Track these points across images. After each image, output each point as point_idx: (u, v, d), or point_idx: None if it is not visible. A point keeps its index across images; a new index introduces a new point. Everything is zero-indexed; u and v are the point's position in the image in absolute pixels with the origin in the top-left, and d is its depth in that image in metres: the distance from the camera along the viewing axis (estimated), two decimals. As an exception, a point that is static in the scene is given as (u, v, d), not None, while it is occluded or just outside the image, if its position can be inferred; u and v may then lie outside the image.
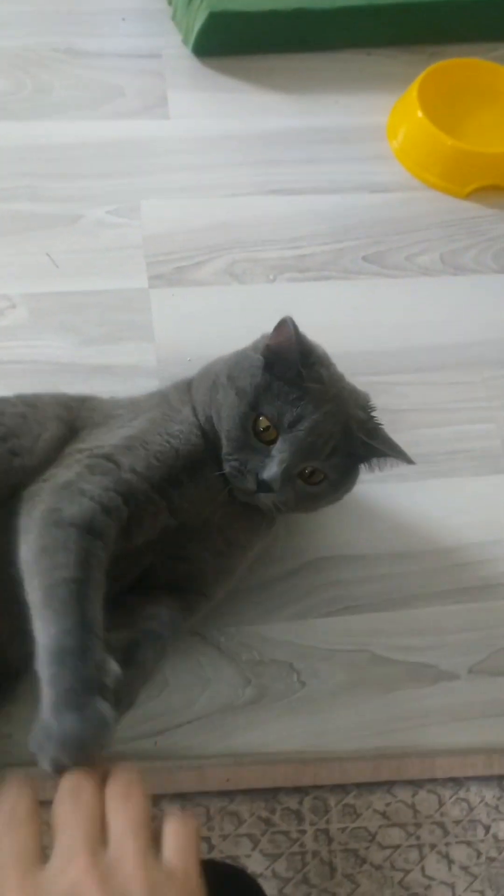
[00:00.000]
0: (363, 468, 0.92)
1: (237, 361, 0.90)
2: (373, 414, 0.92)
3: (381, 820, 0.92)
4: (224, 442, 0.86)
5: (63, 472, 0.80)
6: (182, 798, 0.90)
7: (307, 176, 1.37)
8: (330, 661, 0.99)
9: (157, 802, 0.89)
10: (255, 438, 0.85)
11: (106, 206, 1.29)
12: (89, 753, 0.63)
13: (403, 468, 1.06)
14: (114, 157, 1.34)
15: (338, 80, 1.47)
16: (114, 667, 0.69)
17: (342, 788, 0.92)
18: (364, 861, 0.90)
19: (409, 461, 0.90)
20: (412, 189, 1.38)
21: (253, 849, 0.89)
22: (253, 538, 0.93)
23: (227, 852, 0.87)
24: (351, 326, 1.23)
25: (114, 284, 1.22)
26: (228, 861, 0.86)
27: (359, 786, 0.93)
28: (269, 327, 1.21)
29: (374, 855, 0.90)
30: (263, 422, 0.85)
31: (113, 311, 1.20)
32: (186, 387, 0.95)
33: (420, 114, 1.36)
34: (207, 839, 0.88)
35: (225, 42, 1.44)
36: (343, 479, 0.89)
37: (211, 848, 0.88)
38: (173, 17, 1.47)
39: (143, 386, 1.13)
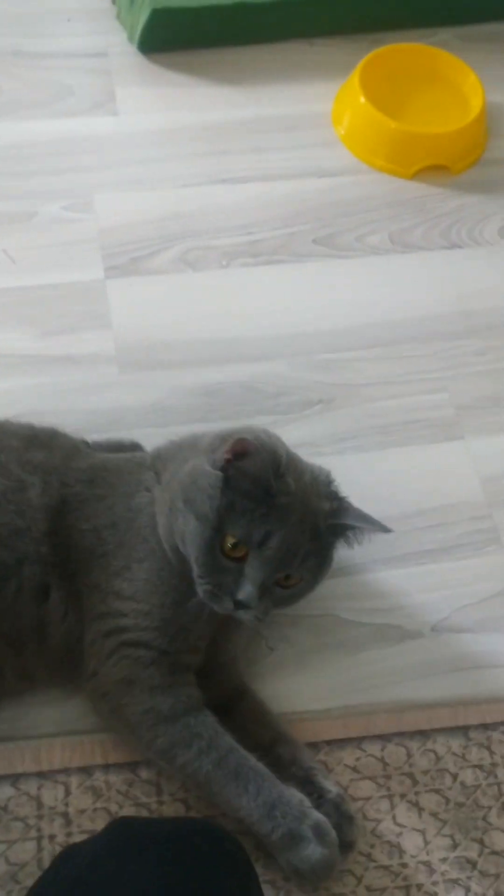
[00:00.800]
0: (343, 544, 0.91)
1: (193, 480, 0.85)
2: (336, 490, 0.91)
3: (352, 774, 0.95)
4: (193, 567, 0.85)
5: (112, 667, 0.88)
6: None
7: (256, 164, 1.40)
8: (297, 626, 1.02)
9: (135, 768, 0.92)
10: (224, 558, 0.83)
11: (60, 201, 1.32)
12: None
13: (363, 439, 1.10)
14: (66, 155, 1.37)
15: (282, 70, 1.51)
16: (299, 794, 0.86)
17: (313, 746, 0.95)
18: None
19: (385, 530, 0.90)
20: (359, 172, 1.42)
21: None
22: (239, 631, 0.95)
23: (204, 812, 0.90)
24: (305, 307, 1.26)
25: (71, 277, 1.25)
26: (209, 818, 0.88)
27: (329, 743, 0.96)
28: (223, 312, 1.25)
29: (348, 808, 0.93)
30: (231, 540, 0.83)
31: (71, 302, 1.23)
32: (152, 509, 0.91)
33: (363, 99, 1.40)
34: (185, 800, 0.91)
35: (169, 38, 1.47)
36: (318, 573, 0.90)
37: (188, 808, 0.91)
38: (118, 16, 1.50)
39: (103, 373, 1.16)
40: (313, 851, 0.83)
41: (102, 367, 1.17)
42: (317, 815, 0.84)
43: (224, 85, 1.48)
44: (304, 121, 1.46)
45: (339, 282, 1.30)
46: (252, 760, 0.86)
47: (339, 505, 0.89)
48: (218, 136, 1.43)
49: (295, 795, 0.85)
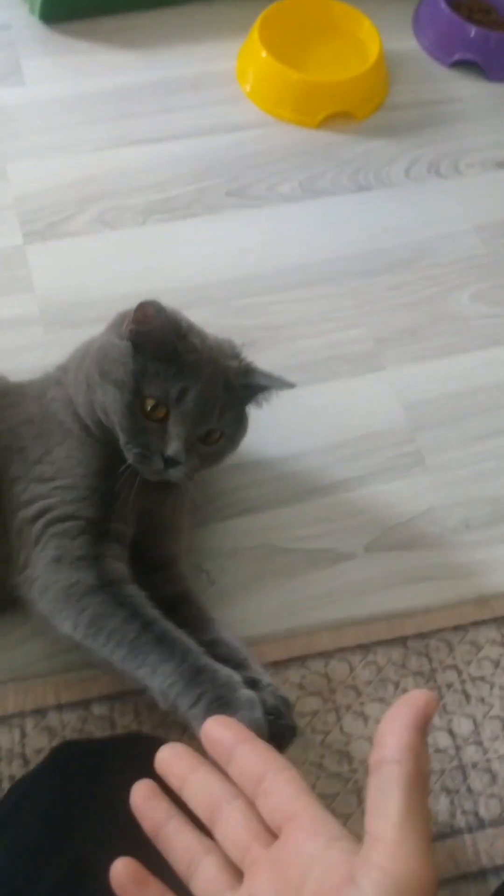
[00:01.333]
0: (252, 408, 0.96)
1: (104, 354, 0.90)
2: (241, 356, 0.96)
3: (298, 691, 0.99)
4: (119, 434, 0.88)
5: (40, 551, 0.88)
6: (109, 699, 0.96)
7: (164, 125, 1.42)
8: (235, 558, 1.06)
9: (88, 706, 0.95)
10: (147, 420, 0.87)
11: (-28, 173, 1.33)
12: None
13: (287, 377, 1.13)
14: (-26, 127, 1.38)
15: (184, 32, 1.53)
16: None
17: (259, 669, 0.99)
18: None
19: (289, 385, 0.94)
20: (266, 125, 1.45)
21: (182, 734, 0.95)
22: (179, 491, 0.96)
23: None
24: (221, 256, 1.29)
25: (-11, 245, 1.27)
26: (150, 733, 0.92)
27: (275, 664, 0.99)
28: (143, 267, 1.28)
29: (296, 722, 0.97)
30: (150, 402, 0.87)
31: (-9, 269, 1.24)
32: (66, 394, 0.95)
33: (264, 53, 1.43)
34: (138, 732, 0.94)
35: (70, 6, 1.49)
36: (237, 429, 0.94)
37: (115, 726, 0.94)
38: (16, -12, 1.51)
39: (28, 334, 1.18)
40: (243, 717, 0.77)
41: (27, 329, 1.19)
42: (247, 690, 0.81)
43: (128, 50, 1.50)
44: (209, 80, 1.49)
45: (253, 230, 1.33)
46: (180, 632, 0.85)
47: (246, 365, 0.94)
48: (125, 99, 1.44)
49: (224, 668, 0.83)
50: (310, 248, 1.32)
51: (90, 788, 0.71)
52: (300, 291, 1.27)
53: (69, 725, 0.94)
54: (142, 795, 0.48)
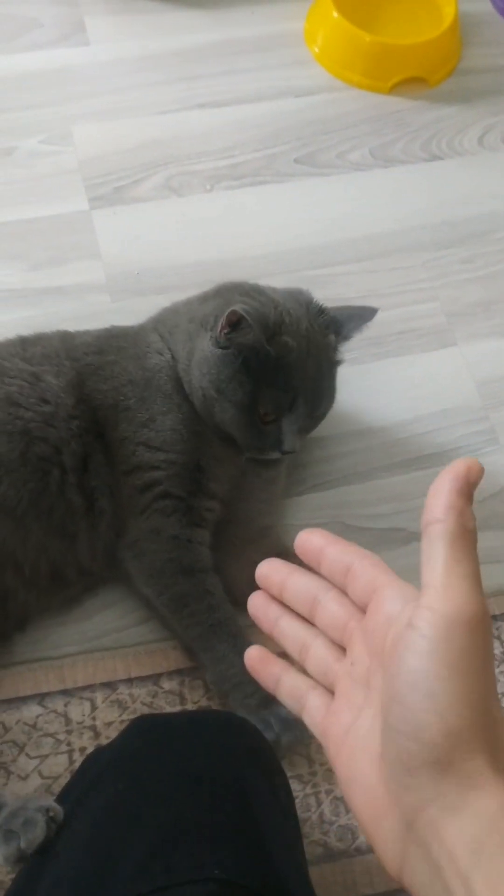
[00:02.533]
0: (340, 350, 0.98)
1: (217, 370, 0.91)
2: (321, 308, 0.97)
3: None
4: (238, 440, 0.93)
5: (144, 520, 0.93)
6: (180, 674, 0.95)
7: (231, 87, 1.39)
8: (306, 534, 1.04)
9: (157, 680, 0.94)
10: (262, 426, 0.91)
11: (37, 135, 1.31)
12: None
13: (358, 351, 1.12)
14: (39, 88, 1.35)
15: (251, -9, 1.49)
16: None
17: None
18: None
19: (374, 311, 0.97)
20: (336, 90, 1.41)
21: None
22: (278, 471, 1.01)
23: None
24: (290, 225, 1.26)
25: (55, 210, 1.25)
26: (227, 711, 0.91)
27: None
28: (210, 235, 1.25)
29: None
30: (268, 417, 0.91)
31: (57, 235, 1.22)
32: (169, 365, 0.97)
33: (336, 14, 1.39)
34: (208, 707, 0.93)
35: (135, -37, 1.45)
36: (335, 393, 0.98)
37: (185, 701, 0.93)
38: None
39: (94, 302, 1.17)
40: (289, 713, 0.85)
41: (93, 296, 1.17)
42: None
43: (194, 9, 1.46)
44: (276, 41, 1.45)
45: (323, 199, 1.30)
46: (244, 631, 0.91)
47: (337, 328, 0.96)
48: (191, 61, 1.41)
49: None
50: (380, 219, 1.28)
51: (173, 758, 0.71)
52: (370, 263, 1.24)
53: (139, 699, 0.94)
54: (258, 601, 0.54)
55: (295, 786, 0.91)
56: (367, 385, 1.14)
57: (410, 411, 1.13)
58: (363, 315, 0.97)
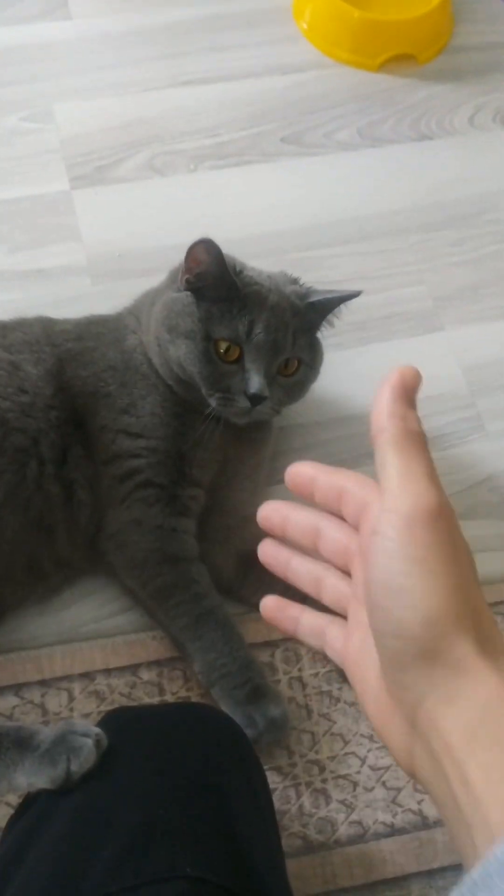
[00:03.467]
0: (323, 329, 0.96)
1: (168, 310, 0.90)
2: (297, 278, 0.97)
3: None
4: (200, 384, 0.89)
5: (124, 510, 0.91)
6: (158, 664, 0.94)
7: (217, 64, 1.36)
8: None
9: (136, 671, 0.93)
10: (223, 364, 0.88)
11: (18, 112, 1.28)
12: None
13: (342, 336, 1.10)
14: (20, 63, 1.32)
15: (238, -36, 1.45)
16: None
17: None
18: (338, 700, 0.94)
19: (354, 294, 0.95)
20: (324, 67, 1.38)
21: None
22: (262, 448, 0.99)
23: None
24: (276, 207, 1.24)
25: (35, 190, 1.22)
26: (203, 703, 0.90)
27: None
28: (193, 216, 1.23)
29: (347, 694, 0.95)
30: (222, 344, 0.88)
31: (37, 216, 1.20)
32: (143, 346, 0.95)
33: (324, -11, 1.36)
34: (187, 699, 0.92)
35: None
36: (314, 354, 0.95)
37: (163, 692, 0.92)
38: None
39: (75, 285, 1.14)
40: (275, 708, 0.88)
41: (74, 279, 1.15)
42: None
43: (179, -17, 1.43)
44: (264, 16, 1.41)
45: (309, 179, 1.27)
46: (233, 620, 0.91)
47: (306, 288, 0.95)
48: (176, 36, 1.38)
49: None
50: (368, 200, 1.26)
51: (146, 753, 0.70)
52: (357, 245, 1.22)
53: (117, 690, 0.93)
54: (268, 548, 0.55)
55: (274, 777, 0.90)
56: (351, 371, 1.12)
57: (396, 397, 1.11)
58: (344, 295, 0.95)
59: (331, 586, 0.52)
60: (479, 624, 0.43)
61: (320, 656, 0.96)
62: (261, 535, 0.97)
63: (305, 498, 0.52)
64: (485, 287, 1.20)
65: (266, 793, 0.76)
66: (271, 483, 1.04)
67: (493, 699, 0.41)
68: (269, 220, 1.22)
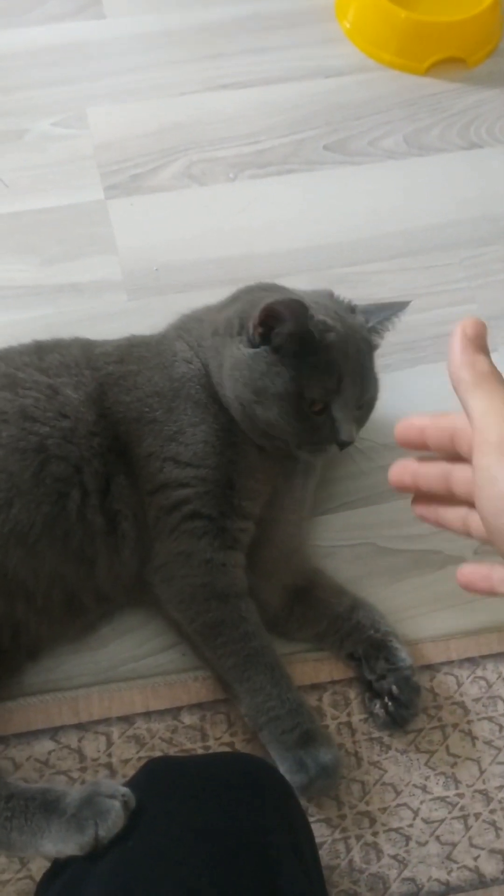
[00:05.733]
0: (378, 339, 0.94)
1: (250, 371, 0.86)
2: (349, 301, 0.93)
3: (401, 707, 0.92)
4: (291, 440, 0.87)
5: (172, 542, 0.87)
6: (201, 707, 0.89)
7: (256, 66, 1.31)
8: (334, 556, 0.98)
9: (177, 714, 0.89)
10: (313, 417, 0.86)
11: (50, 117, 1.23)
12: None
13: (391, 357, 1.05)
14: (52, 65, 1.27)
15: (278, -39, 1.40)
16: None
17: (357, 681, 0.92)
18: (389, 748, 0.90)
19: (404, 304, 0.93)
20: (368, 70, 1.32)
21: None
22: (309, 479, 0.96)
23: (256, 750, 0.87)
24: (319, 219, 1.19)
25: (69, 199, 1.17)
26: (246, 754, 0.86)
27: (376, 676, 0.93)
28: (233, 228, 1.18)
29: (398, 741, 0.90)
30: (316, 406, 0.86)
31: (71, 226, 1.15)
32: (200, 372, 0.91)
33: (368, -12, 1.30)
34: (231, 744, 0.88)
35: None
36: (377, 379, 0.93)
37: (206, 737, 0.88)
38: None
39: (111, 300, 1.10)
40: (326, 753, 0.84)
41: (110, 295, 1.10)
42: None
43: (216, -20, 1.37)
44: (305, 16, 1.36)
45: (354, 189, 1.22)
46: (282, 661, 0.88)
47: (363, 312, 0.92)
48: (214, 37, 1.32)
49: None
50: (415, 212, 1.20)
51: (187, 811, 0.66)
52: (405, 260, 1.17)
53: (157, 735, 0.88)
54: (398, 468, 0.57)
55: (323, 830, 0.86)
56: (400, 393, 1.06)
57: (447, 423, 1.06)
58: (394, 306, 0.92)
59: (460, 478, 0.55)
60: None
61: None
62: (307, 569, 0.93)
63: (419, 448, 0.55)
64: (538, 305, 1.15)
65: (313, 850, 0.72)
66: (318, 513, 1.00)
67: None
68: (311, 233, 1.17)
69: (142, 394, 0.89)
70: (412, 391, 1.07)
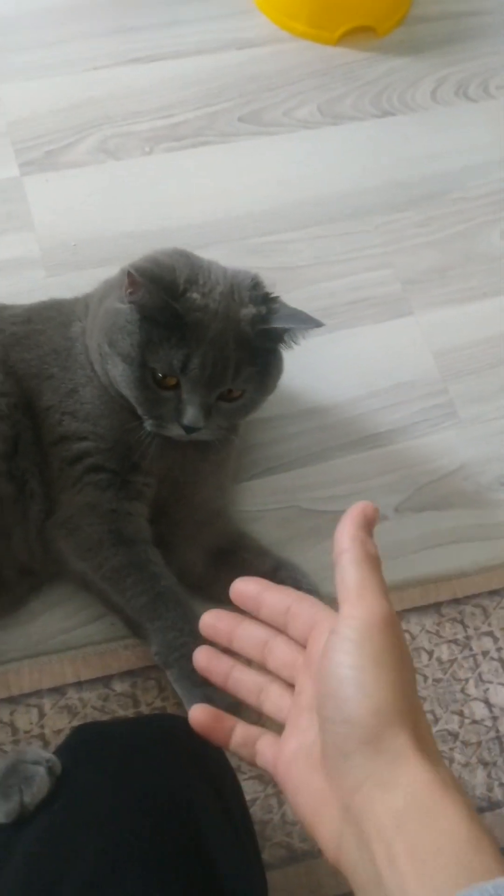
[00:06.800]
0: (282, 346, 0.88)
1: (112, 321, 0.85)
2: (265, 293, 0.87)
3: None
4: (135, 406, 0.85)
5: (75, 494, 0.88)
6: (131, 675, 0.90)
7: (169, 39, 1.30)
8: (261, 521, 1.00)
9: (108, 683, 0.90)
10: (159, 390, 0.84)
11: (-40, 95, 1.21)
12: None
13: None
14: (-40, 42, 1.25)
15: None
16: None
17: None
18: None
19: (317, 324, 0.85)
20: (280, 41, 1.33)
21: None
22: (225, 444, 0.92)
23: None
24: (236, 190, 1.20)
25: (-17, 177, 1.16)
26: (173, 714, 0.87)
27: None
28: (150, 201, 1.18)
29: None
30: (164, 380, 0.83)
31: (-14, 204, 1.14)
32: (82, 332, 0.92)
33: (277, -42, 1.30)
34: (163, 709, 0.89)
35: None
36: (263, 380, 0.88)
37: (138, 703, 0.89)
38: None
39: (29, 277, 1.09)
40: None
41: (28, 272, 1.10)
42: None
43: (126, -46, 1.36)
44: (216, -12, 1.36)
45: (269, 160, 1.23)
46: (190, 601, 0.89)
47: (266, 308, 0.86)
48: (124, 10, 1.32)
49: None
50: (329, 181, 1.22)
51: (113, 774, 0.66)
52: (320, 228, 1.18)
53: (90, 703, 0.89)
54: (204, 658, 0.60)
55: (255, 787, 0.88)
56: (318, 360, 1.08)
57: (365, 386, 1.08)
58: (307, 319, 0.85)
59: (274, 698, 0.58)
60: (417, 723, 0.49)
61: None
62: (231, 531, 0.95)
63: (251, 612, 0.58)
64: (453, 269, 1.17)
65: (241, 804, 0.73)
66: (242, 479, 1.01)
67: (423, 788, 0.47)
68: (227, 204, 1.18)
69: (41, 352, 0.90)
70: (329, 357, 1.09)
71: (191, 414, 0.83)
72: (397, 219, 1.20)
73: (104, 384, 0.88)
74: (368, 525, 0.54)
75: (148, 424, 0.85)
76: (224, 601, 0.93)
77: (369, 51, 1.33)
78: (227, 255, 1.11)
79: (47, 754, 0.69)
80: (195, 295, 0.83)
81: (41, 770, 0.67)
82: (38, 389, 0.89)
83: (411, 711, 0.49)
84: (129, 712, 0.89)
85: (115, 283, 0.90)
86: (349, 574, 0.52)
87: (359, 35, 1.33)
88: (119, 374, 0.84)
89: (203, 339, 0.82)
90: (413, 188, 1.22)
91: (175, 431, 0.85)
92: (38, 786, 0.66)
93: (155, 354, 0.82)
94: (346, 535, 0.53)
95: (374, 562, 0.53)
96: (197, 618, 0.83)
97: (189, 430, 0.84)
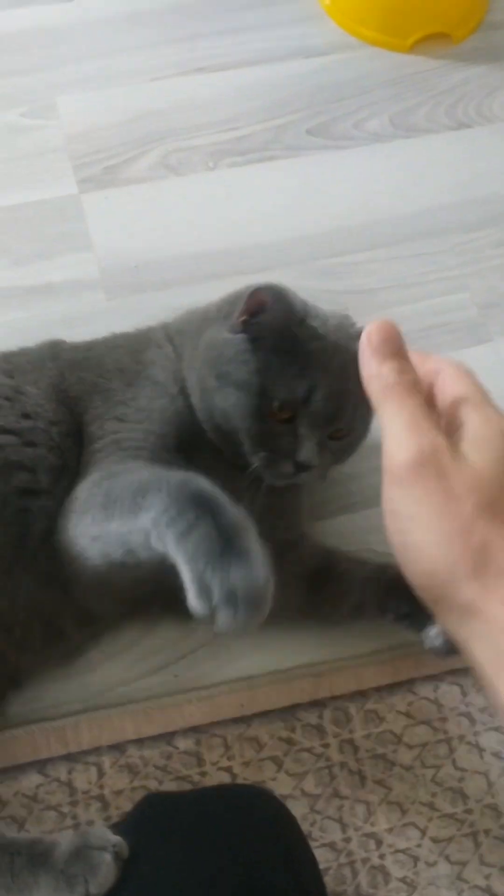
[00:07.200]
0: None
1: (219, 353, 0.79)
2: (361, 328, 0.83)
3: (405, 720, 0.88)
4: (244, 440, 0.79)
5: (92, 471, 0.76)
6: (196, 731, 0.85)
7: (233, 48, 1.25)
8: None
9: (171, 740, 0.85)
10: (274, 423, 0.78)
11: (18, 107, 1.17)
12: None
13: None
14: (17, 52, 1.21)
15: None
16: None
17: (361, 695, 0.88)
18: (393, 764, 0.86)
19: None
20: (350, 48, 1.26)
21: (277, 771, 0.85)
22: (298, 499, 0.87)
23: (251, 778, 0.83)
24: (303, 208, 1.14)
25: (40, 194, 1.12)
26: (249, 783, 0.82)
27: (378, 690, 0.88)
28: (213, 220, 1.12)
29: (403, 756, 0.86)
30: (280, 412, 0.77)
31: (43, 223, 1.09)
32: (167, 357, 0.85)
33: (347, -38, 1.24)
34: (229, 769, 0.84)
35: None
36: (369, 420, 0.83)
37: (234, 776, 0.84)
38: None
39: (88, 301, 1.05)
40: (240, 569, 0.64)
41: (87, 294, 1.05)
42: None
43: (188, -42, 1.31)
44: (281, -7, 1.30)
45: (339, 175, 1.16)
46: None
47: None
48: (188, 18, 1.27)
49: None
50: (403, 198, 1.15)
51: (181, 852, 0.63)
52: (393, 249, 1.12)
53: (151, 762, 0.84)
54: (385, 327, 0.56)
55: (327, 855, 0.82)
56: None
57: (443, 419, 1.02)
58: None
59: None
60: (487, 557, 0.45)
61: (372, 714, 0.87)
62: (319, 550, 0.88)
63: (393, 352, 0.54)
64: (534, 292, 1.10)
65: (317, 878, 0.69)
66: (312, 518, 0.95)
67: None
68: (297, 222, 1.12)
69: (103, 370, 0.84)
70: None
71: (307, 449, 0.77)
72: (475, 238, 1.13)
73: (184, 403, 0.81)
74: (382, 349, 0.51)
75: (256, 460, 0.77)
76: (336, 621, 0.87)
77: (443, 58, 1.26)
78: (296, 277, 1.05)
79: (114, 837, 0.64)
80: (315, 323, 0.79)
81: (107, 857, 0.62)
82: (88, 402, 0.82)
83: (473, 552, 0.47)
84: (193, 771, 0.84)
85: (211, 316, 0.85)
86: (380, 421, 0.50)
87: (432, 42, 1.26)
88: (231, 404, 0.77)
89: (326, 370, 0.78)
90: (492, 205, 1.16)
91: (284, 470, 0.78)
92: (105, 875, 0.62)
93: (276, 383, 0.76)
94: (363, 376, 0.51)
95: (394, 393, 0.50)
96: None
97: (302, 467, 0.78)
